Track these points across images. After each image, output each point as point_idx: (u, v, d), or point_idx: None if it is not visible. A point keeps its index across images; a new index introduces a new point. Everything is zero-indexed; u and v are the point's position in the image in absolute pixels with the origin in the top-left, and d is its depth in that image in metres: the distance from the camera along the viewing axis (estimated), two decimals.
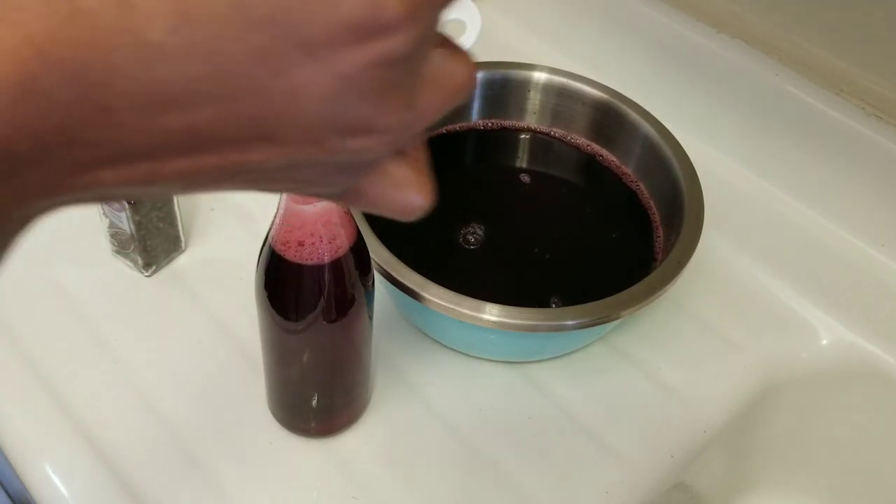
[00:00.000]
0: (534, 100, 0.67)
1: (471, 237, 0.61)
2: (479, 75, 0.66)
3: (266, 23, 0.18)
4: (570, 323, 0.51)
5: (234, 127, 0.20)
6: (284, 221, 0.42)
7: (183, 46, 0.18)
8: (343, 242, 0.43)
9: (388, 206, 0.26)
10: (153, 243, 0.60)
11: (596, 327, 0.53)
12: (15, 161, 0.18)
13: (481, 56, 0.63)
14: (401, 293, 0.52)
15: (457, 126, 0.68)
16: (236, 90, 0.19)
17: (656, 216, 0.62)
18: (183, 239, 0.63)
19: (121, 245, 0.61)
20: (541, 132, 0.68)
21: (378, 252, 0.52)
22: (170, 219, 0.60)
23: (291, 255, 0.43)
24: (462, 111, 0.68)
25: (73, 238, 0.63)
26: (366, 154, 0.22)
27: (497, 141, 0.68)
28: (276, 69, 0.19)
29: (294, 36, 0.19)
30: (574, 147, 0.67)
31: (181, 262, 0.63)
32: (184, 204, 0.61)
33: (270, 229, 0.44)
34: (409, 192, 0.25)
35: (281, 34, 0.18)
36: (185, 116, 0.19)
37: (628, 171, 0.65)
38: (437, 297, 0.51)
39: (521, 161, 0.69)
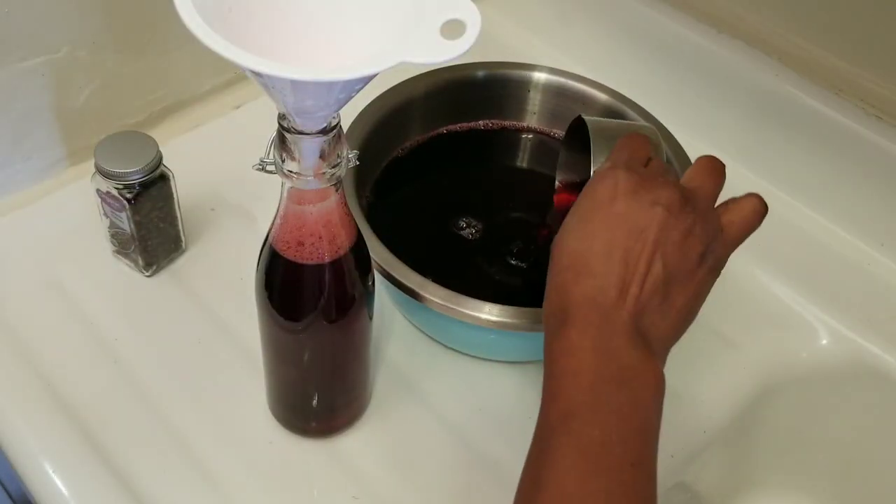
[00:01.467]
0: (534, 100, 0.67)
1: (471, 237, 0.61)
2: (479, 75, 0.66)
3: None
4: None
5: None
6: (285, 221, 0.42)
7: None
8: (343, 242, 0.43)
9: (747, 219, 0.45)
10: (153, 243, 0.60)
11: None
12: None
13: (481, 56, 0.64)
14: (401, 293, 0.52)
15: (457, 126, 0.68)
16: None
17: None
18: (183, 239, 0.63)
19: (121, 245, 0.61)
20: (541, 132, 0.68)
21: (378, 252, 0.52)
22: (170, 219, 0.60)
23: (292, 255, 0.43)
24: (463, 111, 0.68)
25: (73, 238, 0.63)
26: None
27: (497, 141, 0.68)
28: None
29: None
30: None
31: (181, 262, 0.63)
32: (184, 204, 0.61)
33: (271, 229, 0.44)
34: (744, 203, 0.45)
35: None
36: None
37: None
38: (437, 297, 0.51)
39: (522, 161, 0.69)
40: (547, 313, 0.43)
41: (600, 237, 0.41)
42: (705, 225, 0.43)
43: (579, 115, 0.54)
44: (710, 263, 0.43)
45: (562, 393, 0.39)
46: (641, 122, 0.63)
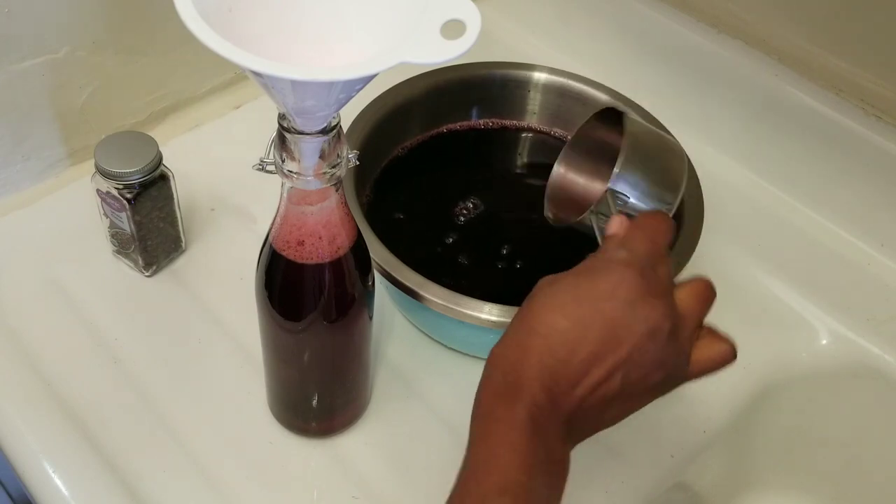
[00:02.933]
0: (534, 100, 0.67)
1: (471, 236, 0.61)
2: (479, 75, 0.66)
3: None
4: None
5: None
6: (285, 221, 0.42)
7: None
8: (343, 242, 0.43)
9: (713, 364, 0.44)
10: (153, 243, 0.60)
11: None
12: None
13: (481, 56, 0.64)
14: (401, 293, 0.52)
15: (457, 125, 0.68)
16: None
17: None
18: (183, 239, 0.63)
19: (121, 245, 0.61)
20: (541, 132, 0.68)
21: (378, 252, 0.52)
22: (170, 219, 0.60)
23: (292, 254, 0.43)
24: (463, 111, 0.68)
25: (73, 238, 0.63)
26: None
27: (497, 140, 0.68)
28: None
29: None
30: None
31: (181, 262, 0.63)
32: (184, 204, 0.61)
33: (271, 229, 0.44)
34: (717, 346, 0.44)
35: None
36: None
37: None
38: (437, 297, 0.51)
39: (522, 160, 0.69)
40: (497, 362, 0.42)
41: (577, 326, 0.41)
42: (677, 359, 0.42)
43: (614, 109, 0.54)
44: (661, 391, 0.43)
45: (499, 466, 0.39)
46: (671, 138, 0.63)
